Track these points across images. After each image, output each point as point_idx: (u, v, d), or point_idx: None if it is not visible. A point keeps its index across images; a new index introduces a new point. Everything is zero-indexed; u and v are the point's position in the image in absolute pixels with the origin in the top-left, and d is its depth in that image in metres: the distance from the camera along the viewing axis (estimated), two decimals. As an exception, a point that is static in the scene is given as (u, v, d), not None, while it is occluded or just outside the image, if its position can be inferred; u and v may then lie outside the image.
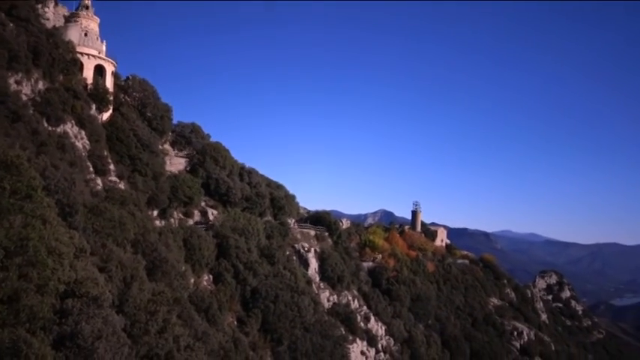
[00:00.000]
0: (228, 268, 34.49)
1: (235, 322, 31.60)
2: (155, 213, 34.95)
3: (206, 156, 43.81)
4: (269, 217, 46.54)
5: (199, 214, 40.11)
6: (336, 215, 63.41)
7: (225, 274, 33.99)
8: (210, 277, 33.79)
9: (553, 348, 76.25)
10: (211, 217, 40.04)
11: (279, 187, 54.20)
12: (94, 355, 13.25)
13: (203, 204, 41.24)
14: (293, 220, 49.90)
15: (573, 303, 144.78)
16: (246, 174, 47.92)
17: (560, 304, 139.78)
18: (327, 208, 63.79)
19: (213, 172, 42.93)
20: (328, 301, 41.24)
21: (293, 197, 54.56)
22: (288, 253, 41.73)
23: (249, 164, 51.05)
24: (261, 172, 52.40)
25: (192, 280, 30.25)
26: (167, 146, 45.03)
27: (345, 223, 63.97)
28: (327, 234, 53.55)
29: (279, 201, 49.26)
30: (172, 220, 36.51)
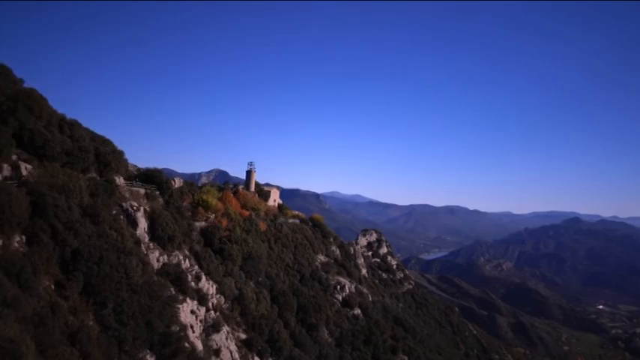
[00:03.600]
0: (45, 229, 31.48)
1: (53, 286, 29.20)
2: (-47, 166, 30.41)
3: (18, 103, 38.83)
4: (93, 174, 43.15)
5: (10, 168, 35.67)
6: (168, 174, 61.13)
7: (41, 234, 30.98)
8: (24, 238, 30.56)
9: (370, 299, 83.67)
10: (25, 173, 35.92)
11: (106, 141, 50.32)
12: None
13: (15, 157, 36.71)
14: (121, 178, 46.97)
15: (389, 258, 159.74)
16: (67, 126, 43.55)
17: (378, 260, 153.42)
18: (159, 166, 61.11)
19: (27, 122, 38.32)
20: (158, 261, 40.01)
21: (121, 153, 51.11)
22: (114, 212, 39.32)
23: (71, 116, 46.49)
24: (85, 124, 48.17)
25: (0, 242, 27.21)
26: (-32, 90, 38.96)
27: (178, 182, 62.08)
28: (158, 193, 51.45)
29: (105, 157, 45.80)
30: (-25, 174, 32.08)
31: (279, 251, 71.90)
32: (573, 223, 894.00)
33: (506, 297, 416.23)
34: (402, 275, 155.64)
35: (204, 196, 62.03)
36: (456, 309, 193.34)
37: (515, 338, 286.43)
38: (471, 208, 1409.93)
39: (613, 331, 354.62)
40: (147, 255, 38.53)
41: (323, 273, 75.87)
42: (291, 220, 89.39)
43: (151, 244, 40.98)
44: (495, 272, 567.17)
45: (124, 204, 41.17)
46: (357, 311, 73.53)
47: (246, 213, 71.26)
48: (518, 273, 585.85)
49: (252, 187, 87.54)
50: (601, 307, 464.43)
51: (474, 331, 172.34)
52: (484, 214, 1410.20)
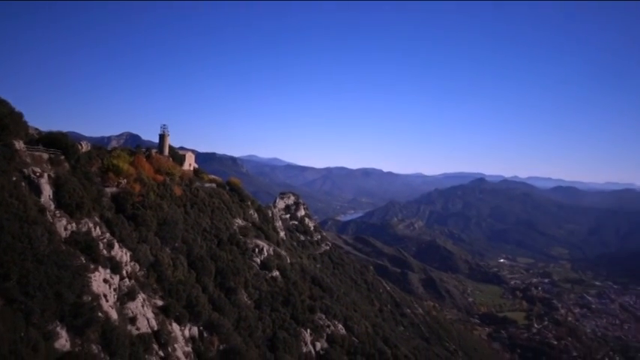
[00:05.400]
0: None
1: (-53, 260, 27.05)
2: None
3: None
4: (-11, 138, 39.88)
5: None
6: (75, 138, 57.53)
7: None
8: None
9: (289, 261, 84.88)
10: None
11: (2, 102, 46.44)
12: None
13: None
14: (21, 142, 43.73)
15: (307, 220, 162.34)
16: (-44, 85, 39.75)
17: (296, 222, 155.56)
18: (64, 129, 57.37)
19: None
20: (66, 229, 38.01)
21: (20, 115, 47.33)
22: (14, 179, 36.71)
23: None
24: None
25: None
26: None
27: (85, 146, 58.77)
28: (63, 158, 48.50)
29: (1, 119, 42.37)
30: None
31: (195, 216, 70.78)
32: (479, 184, 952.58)
33: (417, 254, 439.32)
34: (319, 237, 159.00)
35: (115, 161, 59.29)
36: (371, 267, 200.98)
37: (426, 292, 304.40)
38: (385, 170, 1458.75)
39: (512, 282, 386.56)
40: (53, 223, 36.54)
41: (241, 237, 75.77)
42: (207, 185, 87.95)
43: (57, 212, 38.83)
44: (408, 231, 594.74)
45: (25, 170, 38.53)
46: (276, 273, 74.46)
47: (161, 178, 69.15)
48: (429, 231, 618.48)
49: (166, 151, 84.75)
50: (502, 260, 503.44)
51: (388, 288, 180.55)
52: (397, 175, 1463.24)
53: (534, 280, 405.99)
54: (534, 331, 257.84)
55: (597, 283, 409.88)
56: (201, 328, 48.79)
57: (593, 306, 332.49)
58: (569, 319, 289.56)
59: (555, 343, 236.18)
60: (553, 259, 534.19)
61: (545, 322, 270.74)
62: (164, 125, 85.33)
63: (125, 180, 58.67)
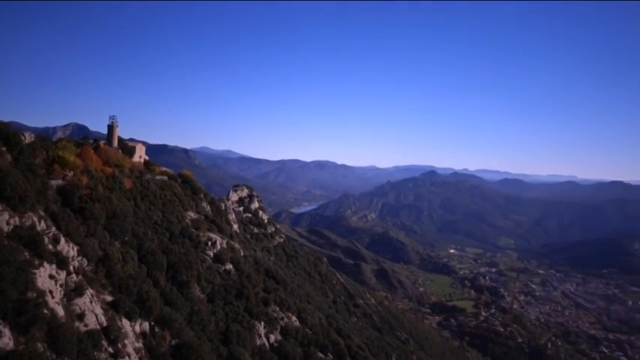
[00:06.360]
0: None
1: None
2: None
3: None
4: None
5: None
6: (17, 128, 55.16)
7: None
8: None
9: (242, 254, 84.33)
10: None
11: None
12: None
13: None
14: (-42, 132, 41.63)
15: (261, 213, 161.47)
16: None
17: (250, 215, 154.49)
18: (5, 119, 54.90)
19: None
20: (8, 224, 36.46)
21: (-43, 104, 45.26)
22: (-49, 171, 35.02)
23: None
24: None
25: None
26: None
27: (29, 137, 56.40)
28: (4, 149, 46.50)
29: (-64, 108, 40.26)
30: None
31: (146, 209, 69.29)
32: (430, 176, 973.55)
33: (370, 245, 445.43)
34: (273, 229, 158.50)
35: (61, 152, 57.28)
36: (325, 259, 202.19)
37: (378, 283, 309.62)
38: (339, 162, 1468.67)
39: (461, 272, 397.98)
40: (-6, 217, 35.03)
41: (193, 230, 74.74)
42: (158, 177, 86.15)
43: (-2, 206, 37.22)
44: (361, 223, 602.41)
45: (-37, 162, 36.73)
46: (229, 266, 73.91)
47: (109, 170, 67.27)
48: (382, 223, 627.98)
49: (115, 143, 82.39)
50: (452, 251, 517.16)
51: (341, 279, 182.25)
52: (351, 168, 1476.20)
53: (482, 269, 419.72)
54: (482, 318, 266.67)
55: (541, 271, 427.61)
56: (152, 323, 47.93)
57: (537, 294, 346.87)
58: (515, 306, 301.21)
59: (501, 330, 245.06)
60: (500, 249, 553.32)
61: (492, 310, 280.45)
62: (113, 116, 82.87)
63: (72, 172, 56.80)
